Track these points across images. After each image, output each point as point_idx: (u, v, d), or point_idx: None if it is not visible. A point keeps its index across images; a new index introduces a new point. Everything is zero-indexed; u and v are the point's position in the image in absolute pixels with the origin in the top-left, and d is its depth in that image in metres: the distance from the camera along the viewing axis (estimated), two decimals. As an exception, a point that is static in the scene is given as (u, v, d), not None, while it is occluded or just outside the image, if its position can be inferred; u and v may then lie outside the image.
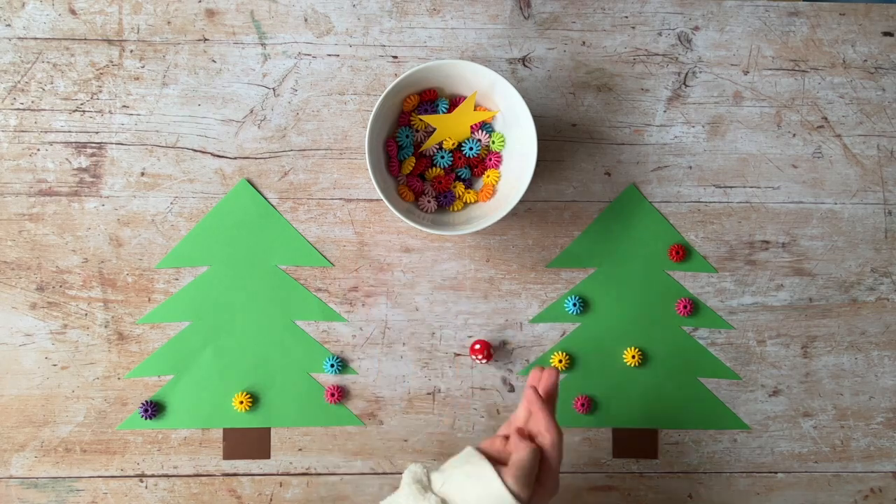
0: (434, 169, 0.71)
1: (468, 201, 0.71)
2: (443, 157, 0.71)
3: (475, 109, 0.70)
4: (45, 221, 0.71)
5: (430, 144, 0.70)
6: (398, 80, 0.65)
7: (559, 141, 0.74)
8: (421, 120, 0.70)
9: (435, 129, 0.69)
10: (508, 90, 0.65)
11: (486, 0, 0.74)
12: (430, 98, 0.70)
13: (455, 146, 0.71)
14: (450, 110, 0.71)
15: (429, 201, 0.70)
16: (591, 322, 0.73)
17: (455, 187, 0.71)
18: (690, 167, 0.74)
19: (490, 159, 0.71)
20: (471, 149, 0.71)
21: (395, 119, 0.71)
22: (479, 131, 0.71)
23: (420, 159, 0.71)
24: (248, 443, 0.71)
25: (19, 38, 0.71)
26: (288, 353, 0.71)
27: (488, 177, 0.71)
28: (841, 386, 0.74)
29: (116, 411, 0.70)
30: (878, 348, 0.74)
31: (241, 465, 0.71)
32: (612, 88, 0.74)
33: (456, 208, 0.71)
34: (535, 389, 0.58)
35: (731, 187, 0.74)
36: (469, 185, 0.72)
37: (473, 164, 0.72)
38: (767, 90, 0.75)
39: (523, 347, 0.73)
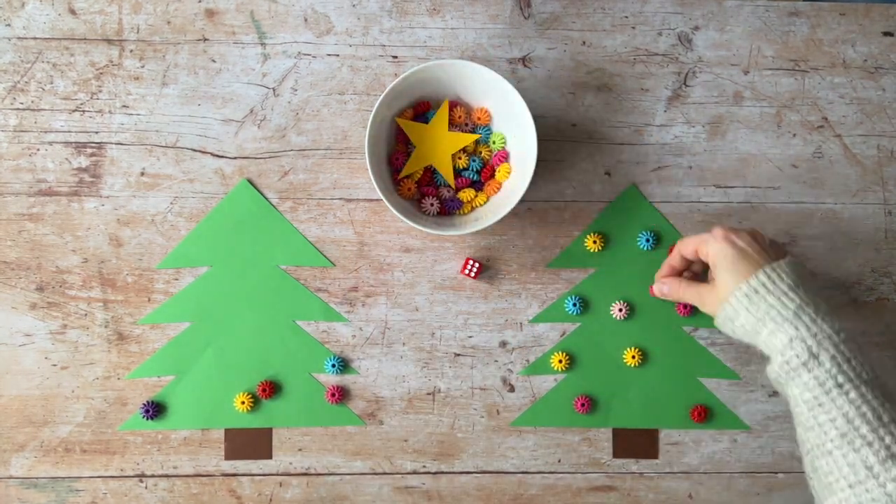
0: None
1: (476, 205, 0.71)
2: (469, 169, 0.71)
3: (452, 125, 0.70)
4: (44, 221, 0.71)
5: (409, 171, 0.70)
6: (398, 79, 0.65)
7: (559, 141, 0.74)
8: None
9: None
10: (508, 90, 0.65)
11: (486, 0, 0.74)
12: (424, 110, 0.71)
13: (466, 166, 0.71)
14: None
15: (431, 204, 0.70)
16: (591, 322, 0.73)
17: (464, 193, 0.71)
18: (691, 167, 0.74)
19: (496, 159, 0.71)
20: (475, 172, 0.71)
21: (394, 132, 0.71)
22: (475, 142, 0.71)
23: (427, 185, 0.71)
24: (250, 443, 0.71)
25: (19, 37, 0.71)
26: (289, 353, 0.71)
27: (499, 172, 0.71)
28: (841, 386, 0.74)
29: (116, 411, 0.70)
30: (879, 348, 0.74)
31: (241, 465, 0.71)
32: (612, 88, 0.74)
33: (464, 212, 0.71)
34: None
35: (731, 187, 0.74)
36: (479, 187, 0.72)
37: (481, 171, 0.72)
38: (767, 90, 0.75)
39: (523, 347, 0.73)
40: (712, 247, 0.60)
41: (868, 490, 0.49)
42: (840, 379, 0.52)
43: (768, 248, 0.60)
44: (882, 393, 0.52)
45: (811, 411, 0.52)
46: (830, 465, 0.51)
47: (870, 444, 0.50)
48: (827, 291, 0.74)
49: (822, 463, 0.52)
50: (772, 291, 0.56)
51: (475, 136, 0.70)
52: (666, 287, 0.66)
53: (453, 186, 0.71)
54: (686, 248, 0.63)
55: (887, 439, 0.49)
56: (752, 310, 0.56)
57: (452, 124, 0.71)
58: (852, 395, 0.51)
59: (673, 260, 0.66)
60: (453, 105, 0.71)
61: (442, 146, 0.70)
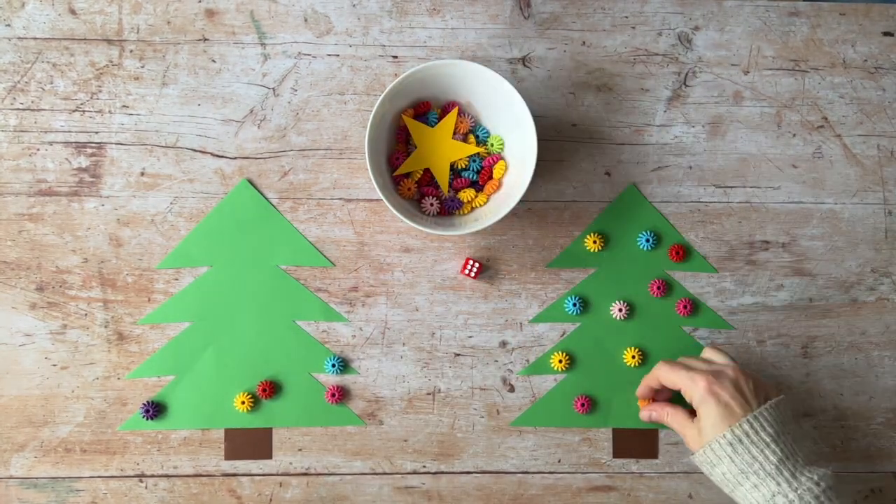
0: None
1: (476, 205, 0.71)
2: (468, 170, 0.71)
3: (455, 133, 0.70)
4: (44, 221, 0.71)
5: (406, 170, 0.70)
6: (398, 79, 0.65)
7: (559, 141, 0.74)
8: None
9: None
10: (509, 90, 0.65)
11: (486, 0, 0.74)
12: (424, 110, 0.71)
13: (465, 166, 0.71)
14: (440, 118, 0.71)
15: (431, 204, 0.70)
16: (591, 322, 0.73)
17: (464, 193, 0.71)
18: (690, 167, 0.74)
19: (489, 159, 0.71)
20: (475, 172, 0.71)
21: (394, 132, 0.71)
22: (474, 143, 0.71)
23: (427, 185, 0.71)
24: (250, 443, 0.71)
25: (19, 37, 0.71)
26: (289, 353, 0.71)
27: (496, 170, 0.71)
28: (841, 386, 0.74)
29: (116, 411, 0.70)
30: (879, 348, 0.74)
31: (241, 465, 0.71)
32: (612, 88, 0.74)
33: (464, 212, 0.71)
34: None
35: (731, 187, 0.74)
36: (479, 187, 0.72)
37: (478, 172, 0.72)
38: (768, 90, 0.75)
39: (523, 347, 0.73)
40: (695, 397, 0.61)
41: None
42: None
43: (753, 390, 0.60)
44: None
45: None
46: None
47: None
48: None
49: None
50: (755, 443, 0.57)
51: (478, 149, 0.70)
52: (654, 414, 0.67)
53: (446, 193, 0.71)
54: (666, 380, 0.64)
55: None
56: (735, 460, 0.58)
57: (455, 132, 0.71)
58: None
59: (651, 381, 0.66)
60: (462, 113, 0.71)
61: (443, 152, 0.70)
